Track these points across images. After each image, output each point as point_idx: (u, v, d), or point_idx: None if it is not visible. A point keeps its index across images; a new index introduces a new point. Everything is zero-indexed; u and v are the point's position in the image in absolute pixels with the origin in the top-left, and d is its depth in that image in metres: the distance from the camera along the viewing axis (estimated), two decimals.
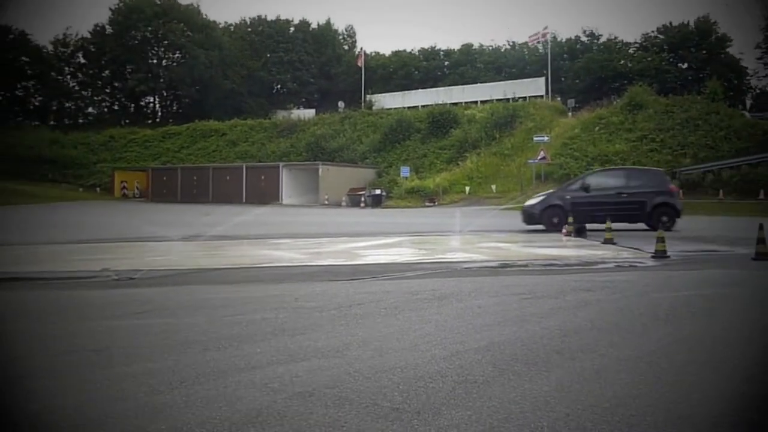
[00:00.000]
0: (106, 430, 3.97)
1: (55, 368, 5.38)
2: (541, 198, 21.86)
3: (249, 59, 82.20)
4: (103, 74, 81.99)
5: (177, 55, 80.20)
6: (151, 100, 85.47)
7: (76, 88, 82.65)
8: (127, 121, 76.93)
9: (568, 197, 21.06)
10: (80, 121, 79.76)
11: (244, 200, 49.05)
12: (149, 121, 79.30)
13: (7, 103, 78.21)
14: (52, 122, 75.91)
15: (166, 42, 78.83)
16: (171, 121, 76.42)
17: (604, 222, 18.24)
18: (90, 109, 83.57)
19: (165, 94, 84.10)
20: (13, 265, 12.96)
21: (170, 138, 64.74)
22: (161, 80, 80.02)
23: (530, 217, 21.36)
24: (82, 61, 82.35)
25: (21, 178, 54.94)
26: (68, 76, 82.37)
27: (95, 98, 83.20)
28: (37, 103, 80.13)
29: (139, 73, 77.77)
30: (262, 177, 50.27)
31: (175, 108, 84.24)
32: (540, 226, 20.98)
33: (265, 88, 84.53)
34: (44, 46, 79.54)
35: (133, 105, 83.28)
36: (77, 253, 15.52)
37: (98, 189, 56.54)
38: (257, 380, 4.94)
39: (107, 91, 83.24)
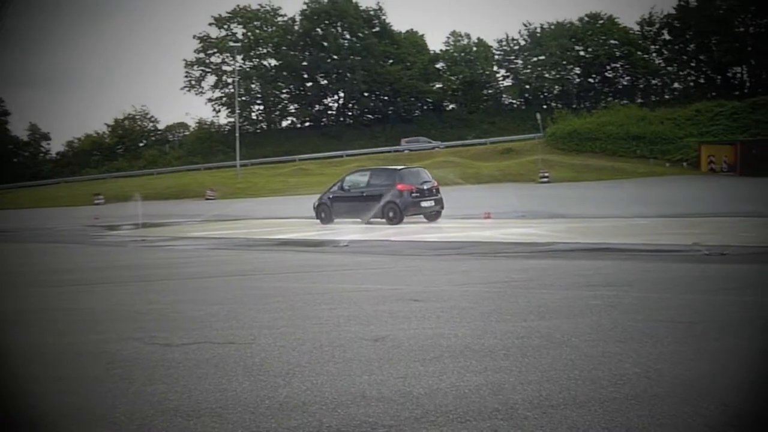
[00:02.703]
0: (675, 396, 4.05)
1: (659, 335, 5.64)
2: (319, 195, 23.73)
3: None
4: (688, 48, 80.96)
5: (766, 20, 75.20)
6: (739, 70, 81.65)
7: (662, 64, 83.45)
8: (714, 93, 74.66)
9: (331, 195, 22.92)
10: (666, 96, 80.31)
11: None
12: (736, 93, 75.76)
13: (598, 85, 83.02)
14: (639, 100, 77.78)
15: (752, 8, 74.44)
16: (760, 90, 71.81)
17: (357, 217, 21.04)
18: (675, 85, 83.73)
19: (753, 63, 79.45)
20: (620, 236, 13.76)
21: (760, 109, 60.87)
22: (749, 48, 75.82)
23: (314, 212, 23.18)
24: (667, 37, 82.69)
25: (612, 154, 57.67)
26: (653, 54, 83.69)
27: (680, 73, 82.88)
28: (625, 83, 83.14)
29: (724, 44, 74.96)
30: None
31: (764, 76, 78.99)
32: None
33: None
34: (631, 27, 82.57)
35: (719, 77, 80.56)
36: (665, 227, 15.81)
37: (685, 164, 56.10)
38: None
39: (692, 64, 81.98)
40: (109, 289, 9.43)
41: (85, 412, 4.10)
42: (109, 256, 14.79)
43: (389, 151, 68.75)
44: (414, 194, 21.19)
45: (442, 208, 22.12)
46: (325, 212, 22.61)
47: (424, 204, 21.37)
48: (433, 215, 21.91)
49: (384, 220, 20.97)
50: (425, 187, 21.65)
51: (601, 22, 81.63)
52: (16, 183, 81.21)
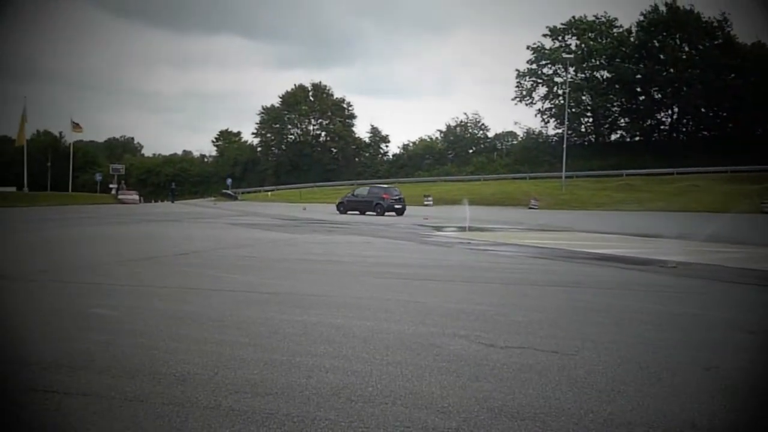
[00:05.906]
0: None
1: None
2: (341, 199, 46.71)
3: None
4: None
5: None
6: None
7: None
8: None
9: (347, 199, 44.66)
10: None
11: None
12: None
13: None
14: None
15: None
16: None
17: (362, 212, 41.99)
18: None
19: None
20: None
21: None
22: None
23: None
24: None
25: None
26: None
27: None
28: None
29: None
30: None
31: None
32: None
33: None
34: None
35: None
36: None
37: None
38: None
39: None
40: (437, 286, 9.93)
41: (415, 398, 4.39)
42: (437, 255, 15.54)
43: (725, 171, 64.21)
44: (390, 200, 41.39)
45: (404, 207, 41.86)
46: (343, 207, 43.64)
47: (396, 206, 40.93)
48: (398, 211, 40.98)
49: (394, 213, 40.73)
50: (395, 198, 41.81)
51: None
52: (356, 180, 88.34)
